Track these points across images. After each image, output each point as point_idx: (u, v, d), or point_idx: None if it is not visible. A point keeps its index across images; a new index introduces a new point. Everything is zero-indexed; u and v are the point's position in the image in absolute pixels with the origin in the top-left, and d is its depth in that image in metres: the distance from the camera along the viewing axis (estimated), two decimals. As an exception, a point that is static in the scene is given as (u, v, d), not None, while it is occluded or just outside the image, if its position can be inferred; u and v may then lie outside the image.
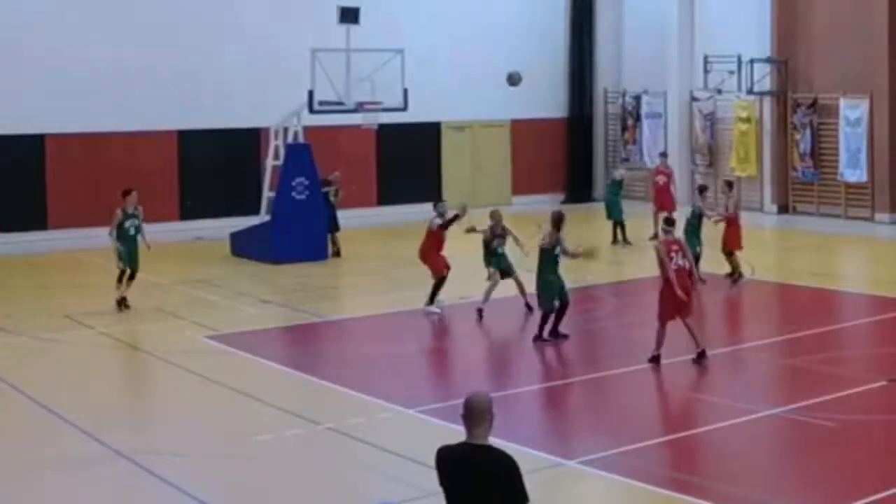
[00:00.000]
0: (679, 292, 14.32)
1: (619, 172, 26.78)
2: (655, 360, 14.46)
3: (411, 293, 19.87)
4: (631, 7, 33.32)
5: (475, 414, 6.31)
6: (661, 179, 25.84)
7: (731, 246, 20.09)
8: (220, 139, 27.91)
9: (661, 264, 14.56)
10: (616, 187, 25.56)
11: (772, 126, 29.67)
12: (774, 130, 29.60)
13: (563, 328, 16.04)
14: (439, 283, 18.04)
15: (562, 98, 33.71)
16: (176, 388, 14.41)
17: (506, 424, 12.24)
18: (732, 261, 20.01)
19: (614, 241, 24.87)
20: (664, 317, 14.56)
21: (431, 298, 17.98)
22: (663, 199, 25.53)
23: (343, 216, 24.14)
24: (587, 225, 29.28)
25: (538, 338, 15.83)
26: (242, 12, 28.03)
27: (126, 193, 18.72)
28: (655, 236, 25.12)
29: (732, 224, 20.15)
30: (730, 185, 21.99)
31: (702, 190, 21.46)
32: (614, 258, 23.46)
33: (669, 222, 15.24)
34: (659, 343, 14.49)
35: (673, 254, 14.52)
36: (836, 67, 28.09)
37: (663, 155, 28.14)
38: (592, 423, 12.97)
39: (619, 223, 25.02)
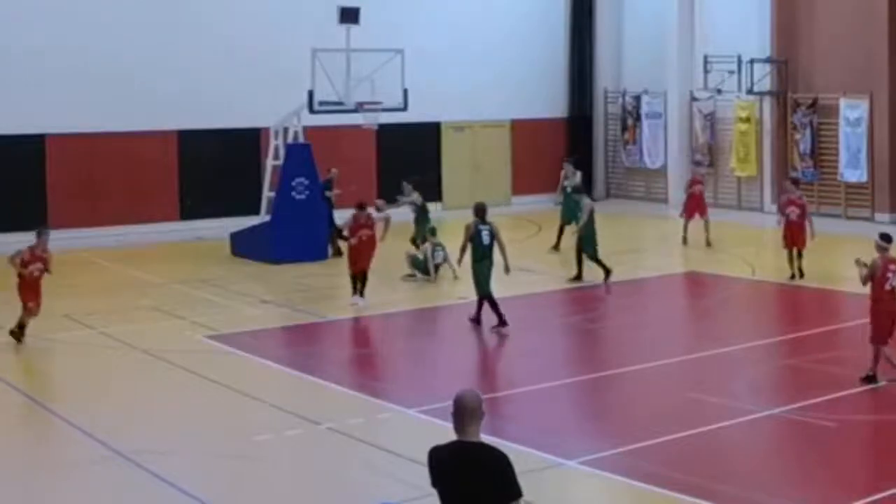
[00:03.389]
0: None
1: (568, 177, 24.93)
2: (870, 379, 13.48)
3: (411, 293, 19.89)
4: (631, 7, 33.32)
5: (468, 412, 6.35)
6: (697, 189, 25.24)
7: (800, 245, 20.26)
8: (220, 139, 27.90)
9: (873, 281, 13.65)
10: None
11: (772, 126, 29.66)
12: (774, 130, 29.60)
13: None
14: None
15: (562, 98, 33.70)
16: (176, 388, 14.41)
17: (506, 424, 12.26)
18: (800, 260, 20.24)
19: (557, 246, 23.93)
20: (879, 338, 13.53)
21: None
22: (701, 209, 24.64)
23: (343, 216, 24.11)
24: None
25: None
26: (242, 12, 28.03)
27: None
28: (684, 241, 24.74)
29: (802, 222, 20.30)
30: (795, 182, 21.94)
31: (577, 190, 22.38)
32: (615, 258, 23.41)
33: (887, 238, 14.08)
34: (878, 360, 13.48)
35: (889, 273, 13.62)
36: (836, 67, 28.08)
37: (699, 164, 27.50)
38: (592, 423, 12.98)
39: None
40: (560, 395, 14.02)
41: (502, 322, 16.53)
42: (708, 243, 24.14)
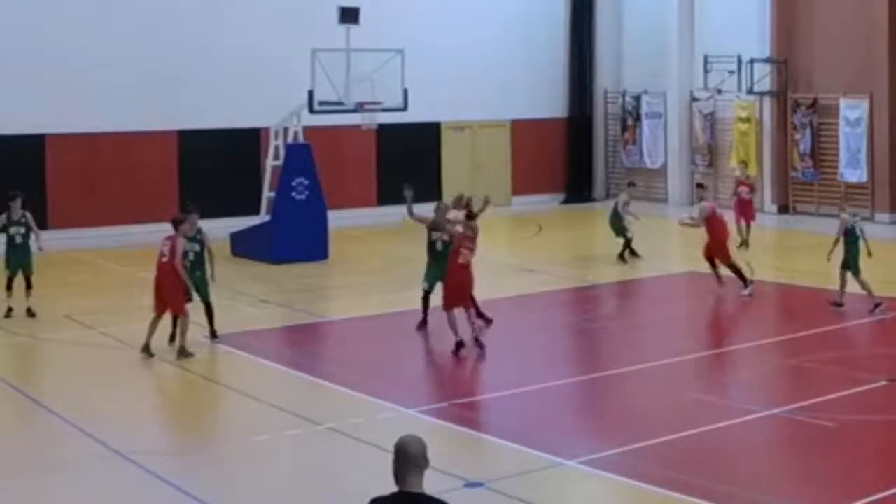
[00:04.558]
0: None
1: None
2: None
3: (411, 293, 19.88)
4: (631, 7, 33.32)
5: (411, 460, 5.98)
6: (743, 191, 24.80)
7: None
8: (220, 139, 27.89)
9: None
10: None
11: (772, 126, 29.67)
12: (774, 130, 29.61)
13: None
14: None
15: (562, 98, 33.70)
16: (176, 388, 14.41)
17: (506, 424, 12.27)
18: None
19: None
20: None
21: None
22: (748, 212, 24.45)
23: (343, 216, 24.14)
24: (586, 225, 29.32)
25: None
26: (243, 12, 28.02)
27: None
28: (742, 244, 24.46)
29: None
30: (701, 186, 21.71)
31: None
32: (614, 258, 23.41)
33: None
34: None
35: None
36: (836, 67, 28.08)
37: (745, 164, 27.36)
38: (592, 423, 12.97)
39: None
40: (560, 395, 14.02)
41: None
42: (743, 244, 23.78)
